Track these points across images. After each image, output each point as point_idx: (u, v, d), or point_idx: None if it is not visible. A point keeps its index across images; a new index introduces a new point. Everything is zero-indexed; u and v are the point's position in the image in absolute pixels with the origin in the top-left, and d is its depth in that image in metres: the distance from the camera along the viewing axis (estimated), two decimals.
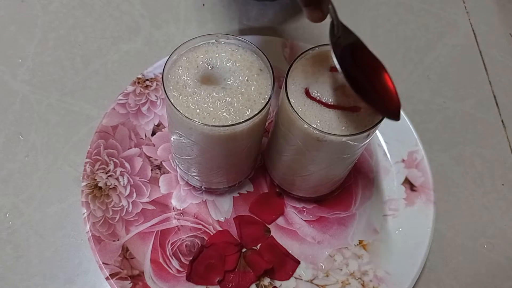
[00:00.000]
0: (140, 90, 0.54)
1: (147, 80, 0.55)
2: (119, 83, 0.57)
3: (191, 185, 0.51)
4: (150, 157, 0.52)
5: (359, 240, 0.50)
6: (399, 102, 0.39)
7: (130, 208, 0.49)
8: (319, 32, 0.63)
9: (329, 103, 0.41)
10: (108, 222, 0.48)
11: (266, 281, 0.48)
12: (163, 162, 0.52)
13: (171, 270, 0.47)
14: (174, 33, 0.61)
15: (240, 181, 0.52)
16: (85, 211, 0.47)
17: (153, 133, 0.54)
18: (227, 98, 0.41)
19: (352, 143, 0.41)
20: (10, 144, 0.53)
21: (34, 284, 0.47)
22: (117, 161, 0.51)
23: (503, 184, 0.55)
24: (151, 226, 0.49)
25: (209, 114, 0.40)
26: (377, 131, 0.50)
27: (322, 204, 0.52)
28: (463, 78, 0.61)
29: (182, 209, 0.50)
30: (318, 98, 0.41)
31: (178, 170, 0.51)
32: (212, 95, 0.41)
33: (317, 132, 0.39)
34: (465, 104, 0.60)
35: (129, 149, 0.52)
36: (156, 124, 0.54)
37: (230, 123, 0.39)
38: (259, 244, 0.49)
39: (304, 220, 0.51)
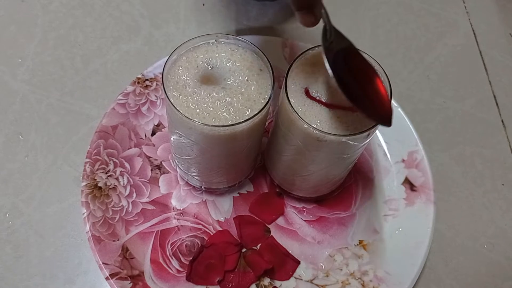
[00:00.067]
0: (140, 90, 0.54)
1: (147, 80, 0.55)
2: (119, 83, 0.57)
3: (191, 185, 0.51)
4: (150, 157, 0.52)
5: (359, 240, 0.50)
6: (391, 108, 0.39)
7: (130, 208, 0.49)
8: (319, 32, 0.63)
9: (329, 103, 0.41)
10: (108, 222, 0.48)
11: (266, 281, 0.48)
12: (163, 162, 0.52)
13: (171, 270, 0.47)
14: (174, 33, 0.61)
15: (240, 181, 0.52)
16: (85, 211, 0.47)
17: (153, 133, 0.53)
18: (227, 98, 0.41)
19: (352, 143, 0.41)
20: (10, 144, 0.53)
21: (34, 284, 0.47)
22: (117, 161, 0.51)
23: (503, 184, 0.55)
24: (151, 226, 0.49)
25: (209, 114, 0.40)
26: (377, 131, 0.50)
27: (322, 204, 0.52)
28: (463, 78, 0.61)
29: (182, 209, 0.50)
30: (318, 98, 0.41)
31: (178, 170, 0.51)
32: (212, 95, 0.41)
33: (317, 132, 0.39)
34: (465, 104, 0.60)
35: (129, 149, 0.52)
36: (156, 124, 0.54)
37: (230, 123, 0.39)
38: (259, 244, 0.49)
39: (304, 220, 0.51)
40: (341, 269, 0.49)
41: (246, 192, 0.52)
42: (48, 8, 0.61)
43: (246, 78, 0.42)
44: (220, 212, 0.51)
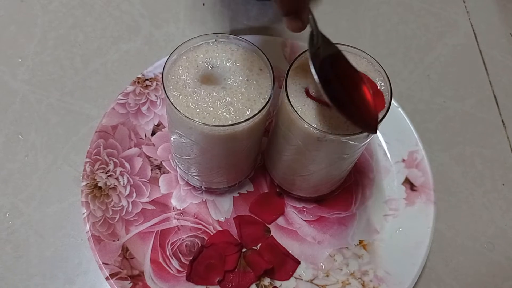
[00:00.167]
0: (140, 90, 0.54)
1: (147, 79, 0.55)
2: (119, 82, 0.57)
3: (191, 185, 0.51)
4: (150, 157, 0.52)
5: (359, 240, 0.50)
6: (377, 116, 0.38)
7: (130, 208, 0.49)
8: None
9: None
10: (108, 222, 0.48)
11: (266, 281, 0.48)
12: (163, 162, 0.52)
13: (171, 270, 0.47)
14: (174, 33, 0.61)
15: (240, 181, 0.52)
16: (85, 211, 0.47)
17: (153, 133, 0.53)
18: (227, 98, 0.40)
19: (352, 143, 0.41)
20: (10, 144, 0.53)
21: (34, 284, 0.47)
22: (117, 161, 0.51)
23: (503, 184, 0.55)
24: (151, 226, 0.49)
25: (209, 113, 0.40)
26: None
27: (322, 204, 0.52)
28: (463, 78, 0.61)
29: (182, 209, 0.50)
30: (318, 97, 0.41)
31: (178, 170, 0.51)
32: (212, 94, 0.41)
33: (317, 131, 0.39)
34: (466, 104, 0.60)
35: (129, 149, 0.52)
36: (156, 124, 0.54)
37: (230, 122, 0.39)
38: (259, 244, 0.49)
39: (304, 220, 0.51)
40: (341, 269, 0.49)
41: (246, 192, 0.52)
42: (48, 8, 0.61)
43: (246, 78, 0.42)
44: (220, 212, 0.51)
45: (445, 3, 0.67)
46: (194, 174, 0.48)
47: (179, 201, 0.51)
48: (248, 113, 0.40)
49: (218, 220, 0.50)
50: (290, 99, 0.40)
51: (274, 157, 0.49)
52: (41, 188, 0.51)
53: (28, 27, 0.60)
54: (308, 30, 0.39)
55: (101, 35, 0.60)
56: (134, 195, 0.50)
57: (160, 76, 0.48)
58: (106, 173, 0.50)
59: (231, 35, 0.43)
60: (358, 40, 0.63)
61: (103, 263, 0.45)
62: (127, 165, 0.51)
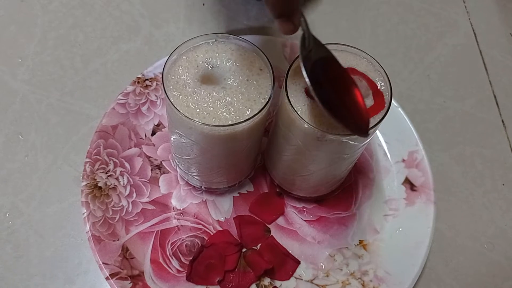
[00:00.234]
0: (140, 90, 0.54)
1: (147, 79, 0.55)
2: (119, 82, 0.57)
3: (191, 185, 0.51)
4: (150, 157, 0.52)
5: (359, 240, 0.50)
6: (368, 119, 0.38)
7: (130, 208, 0.49)
8: (319, 32, 0.63)
9: None
10: (108, 222, 0.48)
11: (266, 281, 0.48)
12: (163, 162, 0.52)
13: (171, 270, 0.47)
14: (174, 33, 0.61)
15: (240, 181, 0.52)
16: (85, 211, 0.47)
17: (153, 133, 0.53)
18: (227, 98, 0.40)
19: (352, 142, 0.41)
20: (10, 144, 0.53)
21: (34, 284, 0.47)
22: (117, 161, 0.51)
23: (503, 184, 0.55)
24: (151, 226, 0.49)
25: (209, 113, 0.40)
26: (377, 131, 0.50)
27: (322, 204, 0.52)
28: (463, 78, 0.61)
29: (182, 209, 0.50)
30: None
31: (178, 170, 0.51)
32: (212, 94, 0.41)
33: (317, 131, 0.39)
34: (466, 104, 0.60)
35: (129, 149, 0.52)
36: (156, 124, 0.54)
37: (230, 122, 0.39)
38: (259, 244, 0.49)
39: (304, 220, 0.51)
40: (341, 269, 0.49)
41: (246, 192, 0.52)
42: (48, 8, 0.61)
43: (246, 78, 0.42)
44: (220, 212, 0.51)
45: (445, 3, 0.67)
46: (194, 174, 0.48)
47: (179, 201, 0.51)
48: (248, 113, 0.40)
49: (218, 220, 0.50)
50: (290, 99, 0.40)
51: (274, 157, 0.49)
52: (41, 188, 0.51)
53: (28, 27, 0.60)
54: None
55: (101, 35, 0.60)
56: (134, 195, 0.50)
57: (160, 76, 0.48)
58: (106, 173, 0.50)
59: (231, 35, 0.43)
60: (358, 40, 0.63)
61: (103, 263, 0.45)
62: (127, 165, 0.51)
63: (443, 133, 0.57)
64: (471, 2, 0.67)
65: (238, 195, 0.52)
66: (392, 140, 0.55)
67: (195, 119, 0.39)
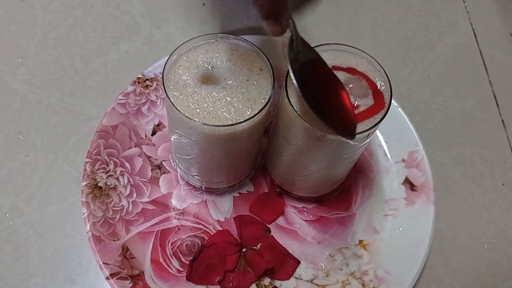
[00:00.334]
0: (140, 90, 0.54)
1: (147, 79, 0.55)
2: (119, 82, 0.57)
3: (191, 185, 0.51)
4: (150, 157, 0.52)
5: (359, 240, 0.50)
6: (355, 121, 0.39)
7: (130, 208, 0.49)
8: (319, 31, 0.63)
9: None
10: (108, 222, 0.48)
11: (266, 281, 0.48)
12: (163, 162, 0.52)
13: (171, 270, 0.47)
14: (174, 33, 0.61)
15: (240, 181, 0.52)
16: (85, 210, 0.47)
17: (153, 133, 0.53)
18: (227, 98, 0.41)
19: (352, 142, 0.41)
20: (10, 144, 0.53)
21: (34, 284, 0.47)
22: (117, 160, 0.51)
23: (503, 184, 0.55)
24: (151, 226, 0.49)
25: (209, 113, 0.40)
26: (377, 131, 0.50)
27: (323, 204, 0.52)
28: (463, 78, 0.61)
29: (182, 209, 0.50)
30: None
31: (178, 170, 0.51)
32: (212, 94, 0.41)
33: (317, 131, 0.39)
34: (466, 104, 0.60)
35: (129, 149, 0.52)
36: (156, 124, 0.54)
37: (230, 122, 0.39)
38: (259, 244, 0.49)
39: (304, 220, 0.51)
40: (341, 269, 0.49)
41: (246, 192, 0.52)
42: (48, 8, 0.61)
43: (247, 78, 0.42)
44: (220, 212, 0.51)
45: (445, 3, 0.67)
46: (194, 174, 0.48)
47: (179, 201, 0.51)
48: (248, 113, 0.40)
49: (218, 220, 0.50)
50: (290, 99, 0.40)
51: (274, 157, 0.49)
52: (42, 188, 0.51)
53: (28, 27, 0.60)
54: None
55: (101, 35, 0.60)
56: (135, 195, 0.50)
57: (160, 76, 0.48)
58: (107, 173, 0.50)
59: (231, 35, 0.43)
60: (358, 40, 0.63)
61: (103, 263, 0.45)
62: (127, 165, 0.51)
63: (443, 133, 0.57)
64: (471, 2, 0.67)
65: (238, 195, 0.52)
66: (392, 140, 0.55)
67: (195, 119, 0.39)
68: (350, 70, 0.42)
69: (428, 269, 0.50)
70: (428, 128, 0.57)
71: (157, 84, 0.55)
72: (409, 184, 0.52)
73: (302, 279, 0.48)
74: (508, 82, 0.61)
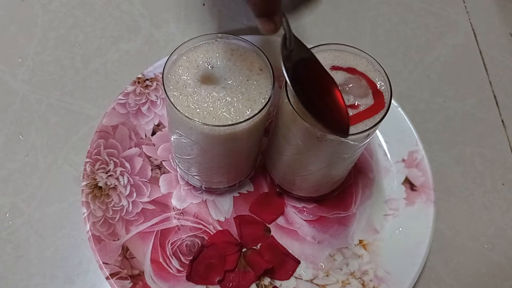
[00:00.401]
0: (140, 90, 0.54)
1: (147, 79, 0.55)
2: (119, 82, 0.57)
3: (191, 184, 0.51)
4: (150, 156, 0.52)
5: (359, 240, 0.50)
6: (348, 120, 0.39)
7: (130, 208, 0.49)
8: (319, 31, 0.63)
9: None
10: (108, 222, 0.48)
11: (266, 280, 0.48)
12: (163, 162, 0.52)
13: (171, 269, 0.47)
14: (174, 33, 0.61)
15: (240, 180, 0.52)
16: (85, 210, 0.47)
17: (153, 133, 0.53)
18: (227, 98, 0.41)
19: (352, 142, 0.41)
20: (10, 143, 0.53)
21: (34, 284, 0.47)
22: (117, 160, 0.51)
23: (503, 184, 0.55)
24: (151, 225, 0.49)
25: (209, 113, 0.40)
26: (377, 131, 0.50)
27: (322, 204, 0.52)
28: (463, 78, 0.61)
29: (182, 209, 0.50)
30: None
31: (178, 169, 0.51)
32: (212, 94, 0.41)
33: (317, 131, 0.39)
34: (466, 104, 0.60)
35: (129, 148, 0.52)
36: (156, 123, 0.54)
37: (230, 122, 0.39)
38: (259, 244, 0.49)
39: (304, 220, 0.51)
40: (341, 269, 0.49)
41: (246, 192, 0.52)
42: (48, 8, 0.61)
43: (246, 78, 0.42)
44: (220, 211, 0.51)
45: (445, 3, 0.67)
46: (194, 174, 0.48)
47: (179, 201, 0.51)
48: (248, 113, 0.40)
49: (218, 220, 0.50)
50: (290, 99, 0.40)
51: (274, 157, 0.49)
52: (42, 188, 0.51)
53: (28, 27, 0.60)
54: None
55: (101, 35, 0.60)
56: (134, 195, 0.50)
57: (160, 76, 0.48)
58: (107, 173, 0.50)
59: (231, 35, 0.43)
60: (358, 40, 0.63)
61: (103, 262, 0.45)
62: (127, 165, 0.51)
63: (443, 133, 0.57)
64: (471, 2, 0.67)
65: (238, 195, 0.52)
66: (392, 140, 0.55)
67: (195, 119, 0.39)
68: (350, 70, 0.42)
69: (428, 269, 0.50)
70: (428, 128, 0.57)
71: (157, 84, 0.55)
72: (409, 184, 0.52)
73: (302, 279, 0.48)
74: (508, 82, 0.61)
